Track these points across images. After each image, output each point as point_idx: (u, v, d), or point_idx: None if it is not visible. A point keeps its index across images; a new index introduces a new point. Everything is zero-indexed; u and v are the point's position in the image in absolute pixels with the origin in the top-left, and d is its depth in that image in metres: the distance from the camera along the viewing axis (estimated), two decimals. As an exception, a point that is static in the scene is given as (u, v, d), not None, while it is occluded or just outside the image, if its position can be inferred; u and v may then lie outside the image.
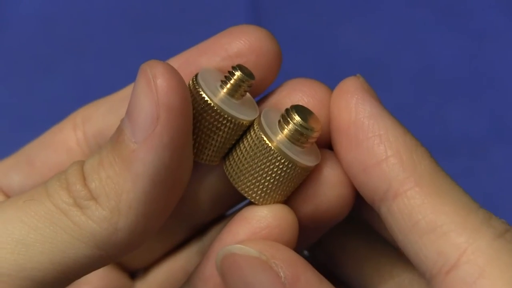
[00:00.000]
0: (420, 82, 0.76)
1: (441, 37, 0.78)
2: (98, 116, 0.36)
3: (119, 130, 0.30)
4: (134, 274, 0.40)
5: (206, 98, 0.31)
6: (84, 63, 0.77)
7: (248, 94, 0.33)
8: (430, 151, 0.73)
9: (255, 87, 0.33)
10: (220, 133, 0.32)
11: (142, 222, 0.29)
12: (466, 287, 0.28)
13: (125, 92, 0.36)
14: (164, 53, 0.82)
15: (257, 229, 0.31)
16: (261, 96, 0.35)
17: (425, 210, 0.30)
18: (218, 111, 0.31)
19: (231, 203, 0.38)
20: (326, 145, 0.34)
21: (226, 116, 0.31)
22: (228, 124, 0.32)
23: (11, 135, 0.73)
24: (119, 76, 0.77)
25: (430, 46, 0.78)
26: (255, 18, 0.76)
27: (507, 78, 0.76)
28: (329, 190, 0.33)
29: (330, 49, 0.78)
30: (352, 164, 0.32)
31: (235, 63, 0.32)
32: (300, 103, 0.33)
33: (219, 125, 0.32)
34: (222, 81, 0.32)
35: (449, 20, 0.79)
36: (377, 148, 0.31)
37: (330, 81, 0.71)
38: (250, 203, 0.33)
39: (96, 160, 0.30)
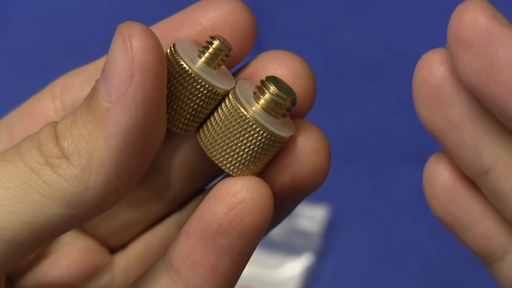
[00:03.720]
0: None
1: (441, 37, 0.78)
2: (76, 86, 0.36)
3: (94, 90, 0.30)
4: (113, 249, 0.39)
5: (184, 65, 0.31)
6: (84, 63, 0.77)
7: (223, 66, 0.33)
8: (430, 151, 0.73)
9: (230, 58, 0.33)
10: (196, 100, 0.32)
11: (113, 181, 0.29)
12: None
13: (103, 61, 0.36)
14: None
15: (232, 205, 0.31)
16: (236, 68, 0.35)
17: None
18: (196, 78, 0.31)
19: (209, 177, 0.37)
20: (300, 115, 0.34)
21: (203, 83, 0.32)
22: (204, 91, 0.32)
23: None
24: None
25: (430, 46, 0.78)
26: (256, 18, 0.76)
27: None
28: (305, 159, 0.33)
29: (330, 49, 0.78)
30: None
31: (209, 35, 0.32)
32: (275, 75, 0.33)
33: (196, 92, 0.32)
34: (200, 51, 0.32)
35: (449, 20, 0.79)
36: None
37: (330, 81, 0.71)
38: (227, 176, 0.33)
39: (70, 119, 0.30)
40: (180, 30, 0.33)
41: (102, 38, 0.78)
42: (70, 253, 0.37)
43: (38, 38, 0.79)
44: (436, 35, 0.79)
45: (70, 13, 0.80)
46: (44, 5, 0.80)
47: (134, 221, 0.38)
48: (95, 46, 0.79)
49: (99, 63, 0.36)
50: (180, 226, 0.37)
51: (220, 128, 0.32)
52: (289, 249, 0.70)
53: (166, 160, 0.36)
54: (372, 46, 0.78)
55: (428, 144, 0.73)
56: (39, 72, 0.77)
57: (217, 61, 0.32)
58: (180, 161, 0.36)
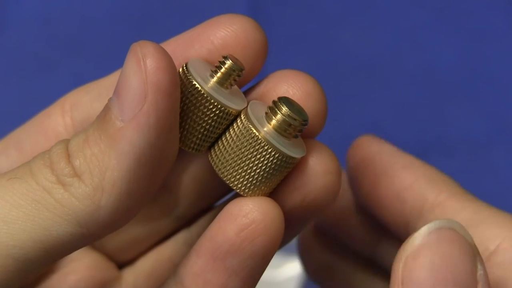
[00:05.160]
0: (420, 82, 0.76)
1: (441, 37, 0.78)
2: (86, 102, 0.36)
3: (106, 108, 0.30)
4: (121, 264, 0.39)
5: (197, 85, 0.31)
6: (84, 63, 0.78)
7: (235, 86, 0.33)
8: (430, 151, 0.73)
9: (242, 77, 0.33)
10: (208, 120, 0.32)
11: (124, 200, 0.29)
12: (505, 269, 0.33)
13: (114, 78, 0.36)
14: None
15: (243, 226, 0.31)
16: (247, 86, 0.35)
17: (466, 211, 0.34)
18: (208, 98, 0.32)
19: (218, 194, 0.38)
20: (311, 135, 0.34)
21: (216, 103, 0.32)
22: (216, 111, 0.32)
23: (10, 135, 0.74)
24: (118, 76, 0.77)
25: (430, 46, 0.78)
26: (255, 18, 0.76)
27: (507, 78, 0.76)
28: (316, 179, 0.33)
29: (330, 49, 0.78)
30: (384, 194, 0.37)
31: (222, 54, 0.32)
32: (286, 95, 0.33)
33: (208, 112, 0.32)
34: (212, 70, 0.32)
35: (449, 20, 0.79)
36: (405, 174, 0.37)
37: (330, 81, 0.71)
38: (237, 195, 0.33)
39: (82, 138, 0.30)
40: (191, 49, 0.33)
41: (102, 38, 0.79)
42: (79, 268, 0.37)
43: (38, 38, 0.78)
44: (436, 35, 0.79)
45: (70, 13, 0.80)
46: (44, 5, 0.80)
47: (142, 236, 0.38)
48: (95, 46, 0.79)
49: (110, 79, 0.36)
50: (189, 242, 0.37)
51: (232, 148, 0.32)
52: (289, 249, 0.70)
53: (175, 176, 0.36)
54: (372, 46, 0.78)
55: (428, 144, 0.74)
56: (39, 72, 0.77)
57: (229, 81, 0.32)
58: (189, 178, 0.36)
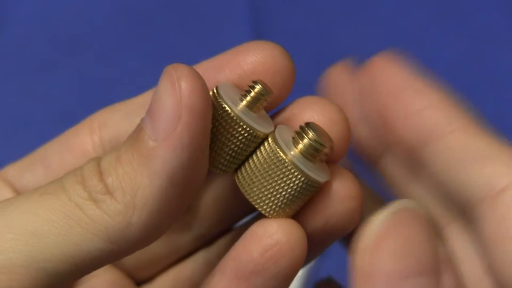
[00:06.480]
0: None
1: (441, 37, 0.79)
2: (115, 122, 0.37)
3: (139, 128, 0.31)
4: (140, 282, 0.40)
5: (227, 108, 0.32)
6: (84, 63, 0.78)
7: (263, 110, 0.34)
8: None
9: (269, 102, 0.34)
10: (237, 142, 0.33)
11: (155, 218, 0.30)
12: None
13: (142, 98, 0.36)
14: (164, 53, 0.81)
15: (268, 246, 0.32)
16: (273, 112, 0.36)
17: (475, 144, 0.32)
18: (238, 120, 0.32)
19: (238, 216, 0.38)
20: (335, 160, 0.35)
21: (245, 126, 0.32)
22: (245, 134, 0.33)
23: (11, 135, 0.74)
24: (119, 76, 0.77)
25: (430, 46, 0.78)
26: (255, 18, 0.76)
27: (507, 78, 0.76)
28: (338, 204, 0.33)
29: (330, 49, 0.78)
30: (393, 116, 0.34)
31: (252, 79, 0.33)
32: (311, 121, 0.33)
33: (237, 134, 0.33)
34: (241, 94, 0.33)
35: (449, 20, 0.79)
36: (417, 99, 0.33)
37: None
38: (259, 217, 0.34)
39: (114, 156, 0.31)
40: (221, 73, 0.34)
41: (103, 37, 0.79)
42: (99, 284, 0.38)
43: (38, 38, 0.79)
44: (436, 35, 0.79)
45: (70, 13, 0.80)
46: (44, 5, 0.80)
47: (162, 254, 0.39)
48: (95, 46, 0.79)
49: (138, 99, 0.36)
50: (208, 262, 0.38)
51: (259, 170, 0.33)
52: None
53: (199, 196, 0.37)
54: (372, 46, 0.79)
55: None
56: (39, 71, 0.77)
57: (258, 105, 0.33)
58: (211, 198, 0.37)
